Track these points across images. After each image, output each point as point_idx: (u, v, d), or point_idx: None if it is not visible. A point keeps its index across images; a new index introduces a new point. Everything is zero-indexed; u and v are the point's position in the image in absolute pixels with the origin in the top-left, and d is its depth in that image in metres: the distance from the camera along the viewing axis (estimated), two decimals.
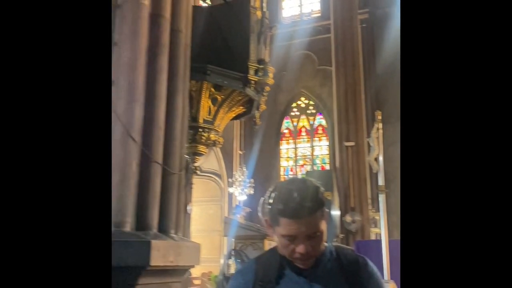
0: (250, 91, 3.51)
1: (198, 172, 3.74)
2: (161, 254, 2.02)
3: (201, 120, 3.46)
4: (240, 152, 12.80)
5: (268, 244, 6.14)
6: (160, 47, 2.41)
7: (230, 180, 11.26)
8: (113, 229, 2.03)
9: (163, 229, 2.27)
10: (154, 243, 1.99)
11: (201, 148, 3.58)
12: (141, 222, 2.14)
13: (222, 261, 11.21)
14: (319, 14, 13.96)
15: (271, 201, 1.16)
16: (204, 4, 5.79)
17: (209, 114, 3.49)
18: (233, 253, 5.84)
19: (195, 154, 3.60)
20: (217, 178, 12.38)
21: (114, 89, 2.22)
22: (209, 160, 10.95)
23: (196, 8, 3.54)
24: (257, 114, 3.82)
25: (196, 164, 3.65)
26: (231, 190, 10.89)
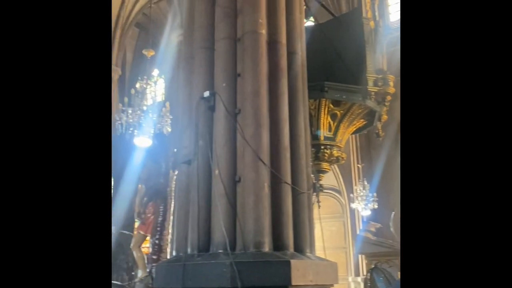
0: (370, 103, 3.41)
1: (323, 190, 3.72)
2: (300, 273, 2.04)
3: (322, 138, 3.46)
4: (359, 166, 12.37)
5: None
6: (280, 71, 2.50)
7: (351, 195, 10.95)
8: (252, 250, 2.11)
9: (298, 249, 2.29)
10: (294, 262, 2.02)
11: (325, 165, 3.57)
12: (278, 242, 2.20)
13: (350, 279, 10.85)
14: None
15: None
16: (309, 22, 5.85)
17: (330, 131, 3.47)
18: (373, 270, 5.63)
19: (319, 171, 3.60)
20: (336, 194, 12.14)
21: (240, 117, 2.37)
22: (327, 176, 10.78)
23: (306, 28, 3.59)
24: (379, 125, 3.68)
25: (320, 182, 3.64)
26: (353, 205, 10.57)
